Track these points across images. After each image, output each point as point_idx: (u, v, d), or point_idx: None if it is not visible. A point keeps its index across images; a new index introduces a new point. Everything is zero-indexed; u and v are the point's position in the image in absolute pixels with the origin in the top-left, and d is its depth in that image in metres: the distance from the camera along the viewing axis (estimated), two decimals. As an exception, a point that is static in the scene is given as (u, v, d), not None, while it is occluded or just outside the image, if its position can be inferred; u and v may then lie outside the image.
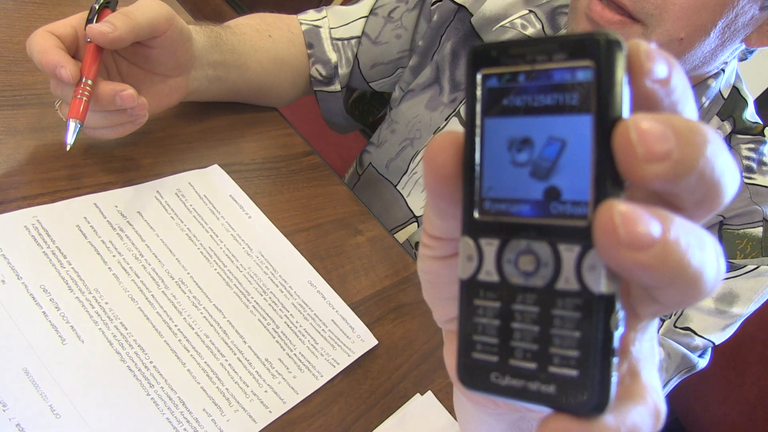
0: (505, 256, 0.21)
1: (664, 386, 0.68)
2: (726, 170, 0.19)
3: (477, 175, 0.21)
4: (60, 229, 0.48)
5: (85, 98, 0.48)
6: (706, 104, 0.68)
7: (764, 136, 0.69)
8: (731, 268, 0.66)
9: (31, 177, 0.51)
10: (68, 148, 0.48)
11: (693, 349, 0.67)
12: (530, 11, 0.75)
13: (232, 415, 0.44)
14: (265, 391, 0.47)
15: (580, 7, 0.60)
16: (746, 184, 0.67)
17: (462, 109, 0.78)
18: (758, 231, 0.66)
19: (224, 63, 0.66)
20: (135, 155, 0.59)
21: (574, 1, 0.62)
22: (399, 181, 0.81)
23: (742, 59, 0.71)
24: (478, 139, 0.21)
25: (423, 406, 0.56)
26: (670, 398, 1.45)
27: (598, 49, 0.19)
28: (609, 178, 0.19)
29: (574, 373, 0.19)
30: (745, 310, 0.67)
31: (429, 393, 0.58)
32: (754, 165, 0.68)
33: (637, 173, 0.18)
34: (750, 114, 0.71)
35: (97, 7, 0.51)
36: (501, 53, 0.21)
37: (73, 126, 0.48)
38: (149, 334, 0.46)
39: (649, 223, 0.18)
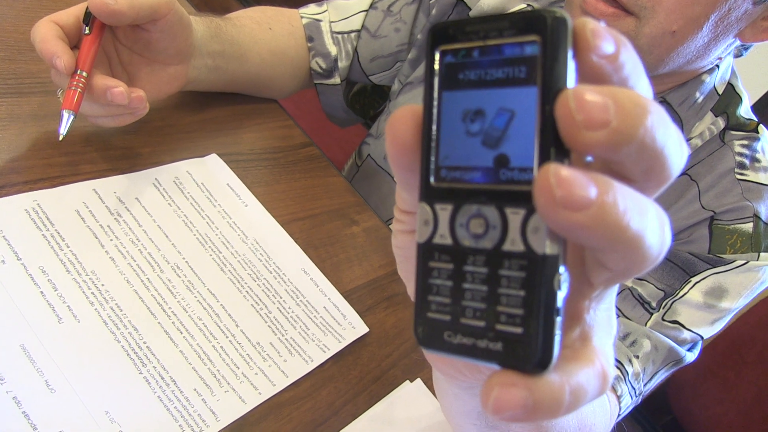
0: (457, 220, 0.22)
1: (651, 378, 0.68)
2: (669, 142, 0.20)
3: (434, 145, 0.23)
4: (59, 213, 0.49)
5: (79, 90, 0.49)
6: (700, 99, 0.69)
7: (758, 132, 0.70)
8: (721, 263, 0.67)
9: (33, 162, 0.52)
10: (61, 138, 0.50)
11: (681, 343, 0.68)
12: (528, 5, 0.76)
13: (222, 396, 0.46)
14: (256, 374, 0.49)
15: (576, 0, 0.61)
16: (738, 180, 0.68)
17: None
18: (748, 227, 0.67)
19: (224, 53, 0.67)
20: (134, 144, 0.60)
21: None
22: None
23: (737, 56, 0.71)
24: (435, 111, 0.23)
25: (412, 393, 0.58)
26: (669, 398, 1.46)
27: (544, 26, 0.20)
28: (553, 146, 0.20)
29: (519, 330, 0.21)
30: (733, 305, 0.68)
31: (418, 380, 0.59)
32: (746, 161, 0.69)
33: (577, 140, 0.19)
34: (744, 110, 0.72)
35: None
36: (457, 31, 0.22)
37: (66, 116, 0.49)
38: (143, 316, 0.47)
39: (586, 185, 0.19)
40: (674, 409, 1.47)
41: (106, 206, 0.53)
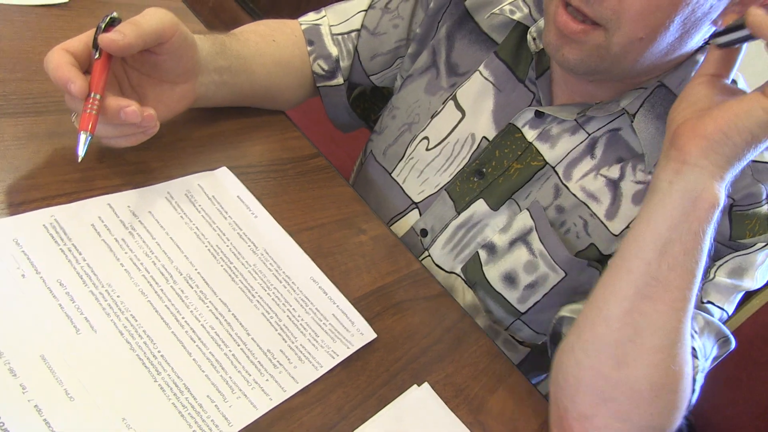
0: None
1: (710, 356, 0.68)
2: None
3: None
4: (76, 227, 0.51)
5: (93, 112, 0.51)
6: None
7: None
8: (742, 247, 0.68)
9: (50, 179, 0.55)
10: (80, 159, 0.52)
11: (720, 320, 0.68)
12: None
13: (234, 402, 0.47)
14: (267, 380, 0.50)
15: (550, 14, 0.63)
16: (752, 162, 0.67)
17: (458, 93, 0.80)
18: (765, 209, 0.67)
19: (230, 68, 0.69)
20: (147, 159, 0.62)
21: (546, 5, 0.65)
22: (395, 168, 0.83)
23: None
24: None
25: (419, 398, 0.59)
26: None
27: None
28: None
29: None
30: (755, 284, 0.69)
31: (426, 385, 0.60)
32: None
33: None
34: (742, 86, 0.72)
35: (102, 26, 0.55)
36: None
37: (83, 138, 0.51)
38: (158, 326, 0.49)
39: None
40: (688, 415, 1.47)
41: (121, 220, 0.54)
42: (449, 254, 0.80)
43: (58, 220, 0.51)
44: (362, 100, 0.91)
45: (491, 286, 0.77)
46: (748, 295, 1.38)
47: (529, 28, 0.75)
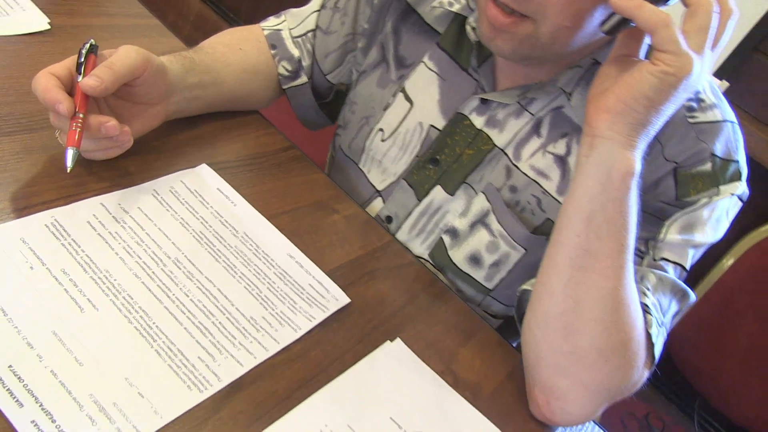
0: None
1: (667, 311, 0.71)
2: None
3: None
4: (74, 224, 0.59)
5: (79, 128, 0.59)
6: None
7: None
8: (688, 205, 0.71)
9: (48, 186, 0.62)
10: (69, 170, 0.59)
11: (678, 277, 0.71)
12: None
13: (222, 361, 0.55)
14: (251, 342, 0.58)
15: (482, 7, 0.67)
16: (691, 124, 0.71)
17: (406, 85, 0.85)
18: (707, 167, 0.70)
19: (200, 83, 0.76)
20: (132, 163, 0.70)
21: None
22: (360, 160, 0.89)
23: None
24: None
25: (392, 351, 0.66)
26: (672, 356, 1.52)
27: None
28: None
29: None
30: (706, 238, 0.72)
31: (398, 340, 0.67)
32: (694, 104, 0.72)
33: None
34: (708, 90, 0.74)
35: (84, 53, 0.62)
36: None
37: (71, 153, 0.59)
38: (151, 302, 0.56)
39: None
40: (679, 366, 1.53)
41: (113, 216, 0.62)
42: (416, 239, 0.86)
43: (57, 220, 0.59)
44: (327, 105, 0.97)
45: (458, 268, 0.83)
46: (725, 250, 1.45)
47: (467, 18, 0.80)
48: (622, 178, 0.60)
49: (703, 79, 0.59)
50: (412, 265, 0.79)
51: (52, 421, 0.45)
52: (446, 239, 0.83)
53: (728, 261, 1.40)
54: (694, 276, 1.41)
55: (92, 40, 0.65)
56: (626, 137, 0.59)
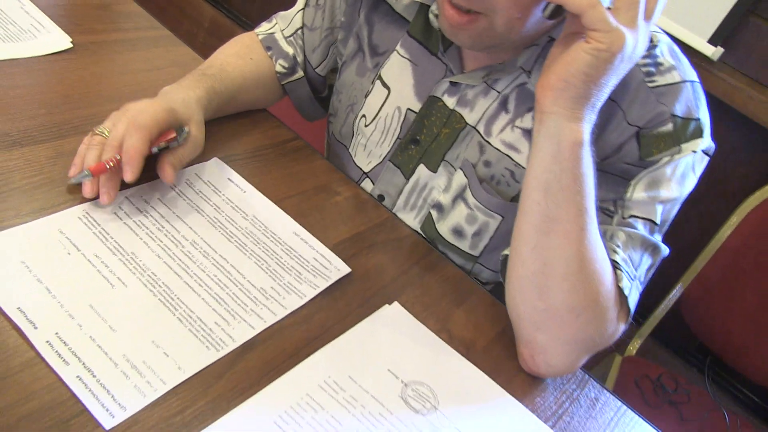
0: None
1: (639, 265, 0.76)
2: None
3: None
4: (103, 216, 0.68)
5: (109, 165, 0.68)
6: None
7: (653, 41, 0.78)
8: (651, 164, 0.76)
9: (78, 186, 0.71)
10: (70, 181, 0.69)
11: (649, 232, 0.76)
12: None
13: (236, 325, 0.63)
14: (261, 308, 0.66)
15: (440, 5, 0.73)
16: (651, 88, 0.75)
17: (382, 72, 0.91)
18: (668, 127, 0.75)
19: (220, 107, 0.87)
20: (150, 162, 0.78)
21: None
22: (350, 145, 0.97)
23: None
24: None
25: (390, 313, 0.74)
26: (684, 317, 1.56)
27: None
28: None
29: None
30: (672, 193, 0.76)
31: (396, 303, 0.75)
32: (652, 69, 0.76)
33: None
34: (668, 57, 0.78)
35: (180, 140, 0.75)
36: None
37: (86, 173, 0.68)
38: (172, 278, 0.65)
39: None
40: (692, 327, 1.57)
41: (136, 207, 0.71)
42: (409, 214, 0.93)
43: (88, 213, 0.68)
44: (323, 99, 1.05)
45: (445, 240, 0.91)
46: (730, 211, 1.48)
47: (430, 6, 0.85)
48: (571, 147, 0.66)
49: (640, 49, 0.65)
50: (409, 238, 0.87)
51: (92, 376, 0.54)
52: (434, 213, 0.90)
53: (733, 222, 1.44)
54: (700, 238, 1.45)
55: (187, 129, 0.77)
56: (570, 110, 0.65)
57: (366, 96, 0.93)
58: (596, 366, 1.68)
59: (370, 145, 0.94)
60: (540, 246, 0.69)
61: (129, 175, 0.67)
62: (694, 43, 1.52)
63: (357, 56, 0.94)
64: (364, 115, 0.94)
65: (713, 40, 1.50)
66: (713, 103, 1.57)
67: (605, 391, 0.79)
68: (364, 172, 0.96)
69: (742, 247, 1.44)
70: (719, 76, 1.51)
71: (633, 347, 1.63)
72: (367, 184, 0.96)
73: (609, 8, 0.63)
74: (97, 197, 0.69)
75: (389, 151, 0.92)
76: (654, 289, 1.52)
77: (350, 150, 0.97)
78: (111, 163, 0.67)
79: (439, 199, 0.89)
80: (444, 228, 0.90)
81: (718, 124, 1.57)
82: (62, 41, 0.93)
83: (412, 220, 0.93)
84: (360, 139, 0.95)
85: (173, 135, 0.73)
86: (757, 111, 1.46)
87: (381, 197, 0.94)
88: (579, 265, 0.68)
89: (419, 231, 0.92)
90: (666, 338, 1.82)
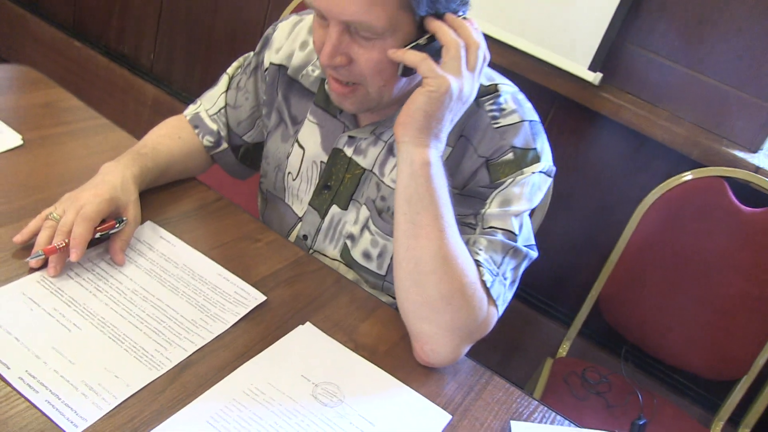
0: None
1: (501, 264, 0.93)
2: None
3: None
4: (57, 278, 0.84)
5: (60, 247, 0.84)
6: None
7: (498, 92, 0.99)
8: (500, 185, 0.95)
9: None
10: (29, 262, 0.84)
11: (508, 238, 0.94)
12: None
13: (172, 350, 0.79)
14: (192, 335, 0.82)
15: (327, 78, 0.93)
16: (495, 129, 0.95)
17: (299, 136, 1.10)
18: (510, 156, 0.95)
19: (154, 179, 1.04)
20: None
21: (324, 70, 0.95)
22: (285, 197, 1.16)
23: None
24: None
25: (304, 331, 0.90)
26: (603, 312, 1.73)
27: None
28: None
29: None
30: (522, 207, 0.95)
31: (308, 323, 0.92)
32: (497, 113, 0.96)
33: None
34: (485, 78, 0.98)
35: (118, 227, 0.90)
36: None
37: (41, 253, 0.83)
38: (118, 319, 0.81)
39: None
40: (611, 323, 1.74)
41: (84, 267, 0.87)
42: (329, 246, 1.11)
43: (45, 277, 0.84)
44: (250, 153, 1.23)
45: (359, 263, 1.09)
46: (631, 212, 1.67)
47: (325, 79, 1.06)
48: (421, 167, 0.85)
49: (467, 91, 0.85)
50: (321, 269, 1.04)
51: (58, 399, 0.69)
52: (348, 242, 1.08)
53: (634, 221, 1.63)
54: (612, 242, 1.63)
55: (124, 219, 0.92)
56: (417, 139, 0.85)
57: (287, 157, 1.13)
58: (534, 372, 1.84)
59: (300, 194, 1.13)
60: (410, 248, 0.87)
61: (74, 257, 0.84)
62: (576, 71, 1.72)
63: (280, 126, 1.14)
64: (290, 172, 1.13)
65: (592, 67, 1.71)
66: (604, 121, 1.78)
67: (507, 383, 0.94)
68: (299, 217, 1.14)
69: (644, 243, 1.63)
70: (605, 97, 1.72)
71: (563, 349, 1.80)
72: (299, 227, 1.14)
73: (438, 62, 0.84)
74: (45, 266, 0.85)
75: (311, 198, 1.11)
76: (581, 294, 1.71)
77: (287, 201, 1.16)
78: (61, 245, 0.84)
79: (350, 230, 1.07)
80: (356, 253, 1.08)
81: (611, 138, 1.80)
82: (14, 139, 1.09)
83: (332, 250, 1.10)
84: (292, 191, 1.14)
85: (113, 223, 0.90)
86: (641, 124, 1.68)
87: (305, 236, 1.12)
88: (443, 260, 0.86)
89: (339, 258, 1.09)
90: (592, 336, 2.00)
